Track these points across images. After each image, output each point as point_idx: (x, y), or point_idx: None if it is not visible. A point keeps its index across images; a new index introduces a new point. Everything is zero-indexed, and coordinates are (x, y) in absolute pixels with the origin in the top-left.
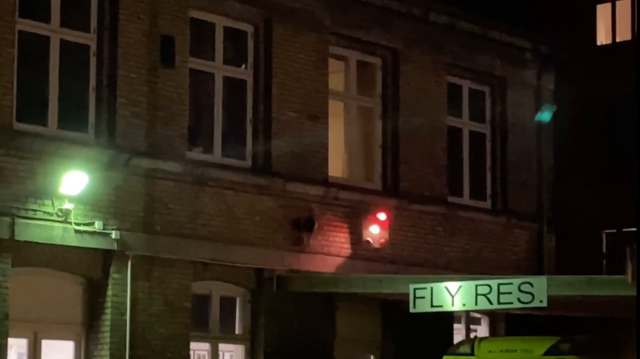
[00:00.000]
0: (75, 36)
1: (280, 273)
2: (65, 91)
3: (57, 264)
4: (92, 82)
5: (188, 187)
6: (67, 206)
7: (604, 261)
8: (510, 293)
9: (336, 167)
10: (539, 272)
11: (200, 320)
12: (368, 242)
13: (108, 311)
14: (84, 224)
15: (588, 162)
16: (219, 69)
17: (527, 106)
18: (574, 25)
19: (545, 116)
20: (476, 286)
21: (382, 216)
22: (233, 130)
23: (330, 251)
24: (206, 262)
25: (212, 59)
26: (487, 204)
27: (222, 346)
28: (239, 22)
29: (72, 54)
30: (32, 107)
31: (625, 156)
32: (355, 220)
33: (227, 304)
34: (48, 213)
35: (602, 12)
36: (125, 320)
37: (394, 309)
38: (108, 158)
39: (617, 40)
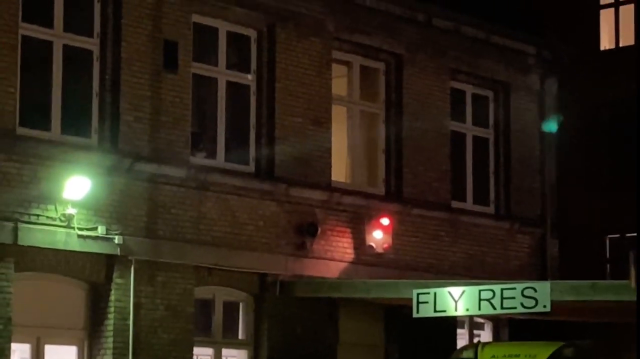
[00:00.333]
0: (78, 41)
1: (284, 278)
2: (68, 95)
3: (60, 269)
4: (95, 87)
5: (191, 192)
6: (70, 210)
7: (608, 266)
8: (513, 298)
9: (339, 172)
10: (542, 277)
11: (203, 325)
12: (371, 247)
13: (111, 316)
14: (87, 229)
15: (592, 167)
16: (222, 74)
17: (531, 111)
18: (578, 30)
19: (551, 126)
20: (479, 291)
21: (385, 221)
22: (236, 135)
23: (334, 256)
24: (209, 267)
25: (216, 64)
26: (491, 209)
27: (225, 351)
28: (243, 27)
29: (75, 59)
30: (35, 112)
31: (628, 161)
32: (358, 225)
33: (230, 309)
34: (51, 218)
35: (606, 17)
36: (128, 325)
37: (397, 314)
38: (111, 163)
39: (621, 45)
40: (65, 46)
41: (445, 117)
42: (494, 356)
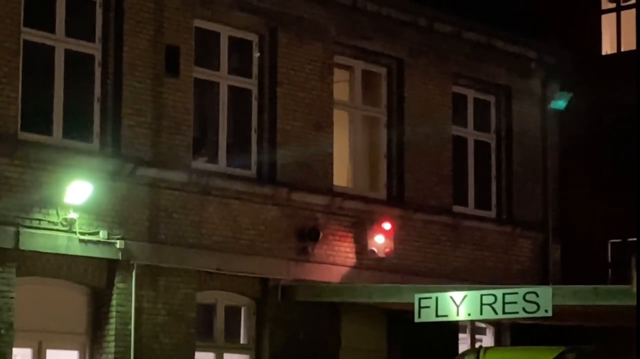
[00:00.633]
0: (80, 46)
1: (285, 283)
2: (70, 100)
3: (62, 273)
4: (97, 91)
5: (193, 196)
6: (72, 215)
7: (610, 271)
8: (515, 302)
9: (341, 176)
10: (544, 281)
11: (205, 330)
12: (373, 251)
13: (112, 320)
14: (89, 234)
15: (593, 171)
16: (224, 79)
17: (532, 115)
18: (579, 34)
19: (560, 103)
20: (481, 295)
21: (387, 225)
22: (238, 139)
23: (335, 260)
24: (211, 271)
25: (217, 68)
26: (492, 213)
27: (227, 356)
28: (244, 31)
29: (77, 63)
30: (37, 116)
31: (630, 165)
32: (360, 230)
33: (232, 314)
34: (53, 223)
35: (607, 21)
36: (130, 330)
37: (399, 318)
38: (113, 168)
39: (622, 49)
40: (67, 51)
41: (447, 122)
42: None
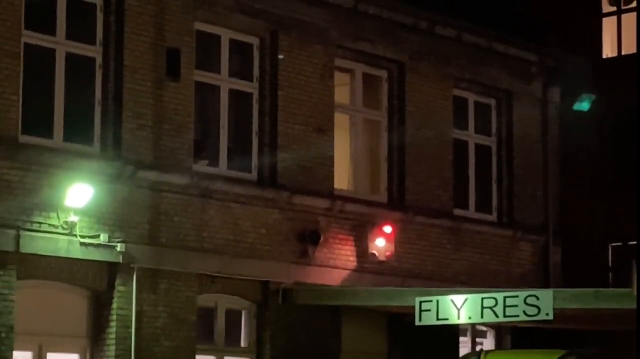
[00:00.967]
0: (81, 49)
1: (286, 286)
2: (70, 103)
3: (63, 276)
4: (98, 94)
5: (194, 199)
6: (73, 218)
7: (610, 274)
8: (516, 305)
9: (342, 179)
10: (545, 285)
11: (206, 333)
12: (374, 255)
13: (113, 323)
14: (89, 237)
15: (594, 174)
16: (224, 82)
17: (533, 118)
18: (580, 38)
19: (584, 105)
20: (482, 298)
21: (388, 228)
22: (239, 143)
23: (336, 263)
24: (212, 275)
25: (218, 71)
26: (493, 216)
27: None
28: (245, 34)
29: (78, 66)
30: (37, 119)
31: (631, 169)
32: (361, 233)
33: (233, 317)
34: (53, 226)
35: (608, 24)
36: (131, 333)
37: (400, 322)
38: (113, 170)
39: (623, 53)
40: (67, 54)
41: (448, 125)
42: None
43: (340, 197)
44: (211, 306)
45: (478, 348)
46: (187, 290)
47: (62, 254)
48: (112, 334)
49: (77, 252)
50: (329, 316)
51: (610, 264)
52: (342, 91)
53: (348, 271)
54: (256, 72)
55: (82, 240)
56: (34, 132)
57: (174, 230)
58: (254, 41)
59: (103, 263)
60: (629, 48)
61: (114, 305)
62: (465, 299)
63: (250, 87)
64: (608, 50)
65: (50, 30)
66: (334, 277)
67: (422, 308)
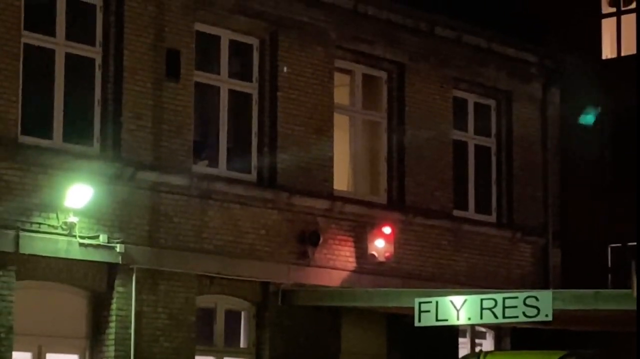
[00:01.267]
0: (80, 49)
1: (286, 287)
2: (70, 104)
3: (62, 277)
4: (98, 95)
5: (193, 200)
6: (72, 219)
7: (610, 275)
8: (515, 306)
9: (341, 180)
10: (544, 286)
11: (205, 334)
12: (373, 256)
13: (113, 324)
14: (89, 238)
15: (594, 175)
16: (224, 83)
17: (533, 119)
18: (580, 39)
19: (588, 118)
20: (481, 299)
21: (387, 229)
22: (238, 143)
23: (336, 264)
24: (211, 276)
25: (218, 72)
26: (493, 218)
27: None
28: (245, 35)
29: (78, 67)
30: (37, 120)
31: (631, 170)
32: (360, 234)
33: (232, 318)
34: (53, 226)
35: (608, 25)
36: (130, 334)
37: (399, 323)
38: (113, 171)
39: (623, 54)
40: (67, 54)
41: (448, 126)
42: None
43: (340, 198)
44: (211, 307)
45: (477, 349)
46: (187, 291)
47: (62, 254)
48: (111, 335)
49: (77, 253)
50: (328, 317)
51: (609, 265)
52: (342, 91)
53: (347, 272)
54: (256, 73)
55: (82, 241)
56: (33, 132)
57: (174, 231)
58: (254, 42)
59: (102, 264)
60: (628, 49)
61: (114, 306)
62: (465, 300)
63: (250, 88)
64: (608, 51)
65: (50, 31)
66: (334, 278)
67: (422, 309)
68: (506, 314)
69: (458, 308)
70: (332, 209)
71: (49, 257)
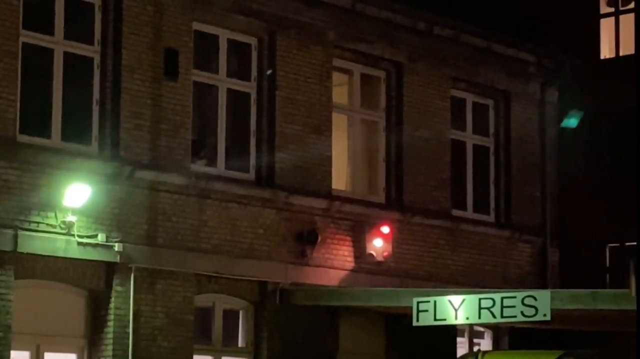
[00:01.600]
0: (79, 48)
1: (284, 286)
2: (68, 103)
3: (60, 276)
4: (96, 94)
5: (191, 199)
6: (70, 218)
7: (608, 275)
8: (513, 306)
9: (340, 180)
10: (542, 286)
11: (203, 333)
12: (371, 255)
13: (111, 323)
14: (87, 237)
15: (592, 175)
16: (222, 82)
17: (531, 119)
18: (578, 39)
19: (572, 122)
20: (480, 299)
21: (385, 229)
22: (237, 143)
23: (334, 264)
24: (209, 275)
25: (216, 71)
26: (491, 217)
27: None
28: (243, 35)
29: (76, 66)
30: (35, 119)
31: (629, 170)
32: (358, 233)
33: (231, 317)
34: (51, 225)
35: (606, 25)
36: (128, 333)
37: (397, 322)
38: (111, 170)
39: (621, 54)
40: (65, 53)
41: (446, 126)
42: None
43: (338, 197)
44: (209, 306)
45: (475, 349)
46: (185, 290)
47: (60, 254)
48: (109, 334)
49: (75, 252)
50: (326, 316)
51: (607, 265)
52: (340, 91)
53: (345, 272)
54: (254, 72)
55: (80, 240)
56: (32, 132)
57: (172, 230)
58: (252, 41)
59: (101, 263)
60: (627, 49)
61: (112, 305)
62: (463, 300)
63: (248, 88)
64: (606, 51)
65: (49, 30)
66: (332, 277)
67: (420, 309)
68: (504, 314)
69: (456, 308)
70: (330, 209)
71: (47, 256)
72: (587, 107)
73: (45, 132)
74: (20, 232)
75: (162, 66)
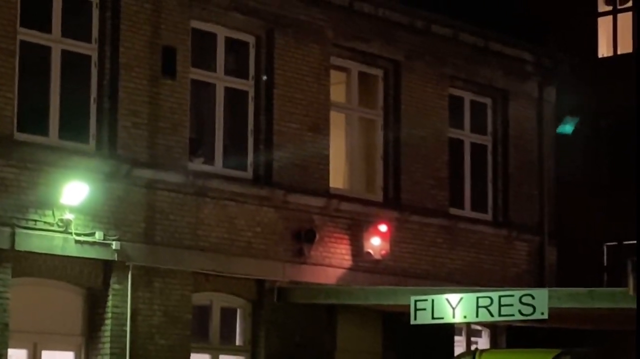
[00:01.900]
0: (76, 46)
1: (281, 284)
2: (66, 101)
3: (58, 274)
4: (93, 92)
5: (189, 198)
6: (68, 216)
7: (605, 274)
8: (511, 305)
9: (337, 178)
10: (540, 284)
11: (201, 331)
12: (369, 253)
13: (108, 321)
14: (85, 235)
15: (590, 174)
16: (220, 80)
17: (529, 118)
18: (576, 37)
19: (567, 128)
20: (477, 298)
21: (383, 227)
22: (234, 141)
23: (332, 262)
24: (207, 273)
25: (214, 69)
26: (489, 216)
27: (222, 358)
28: (241, 33)
29: (74, 64)
30: (33, 117)
31: (627, 169)
32: (356, 232)
33: (228, 316)
34: (49, 223)
35: (604, 24)
36: (126, 331)
37: (395, 321)
38: (109, 169)
39: (619, 52)
40: (63, 51)
41: (444, 124)
42: None
43: (336, 196)
44: (206, 305)
45: (473, 347)
46: (182, 288)
47: (58, 252)
48: (107, 332)
49: (73, 250)
50: (324, 314)
51: (605, 263)
52: (338, 89)
53: (343, 270)
54: (252, 70)
55: (78, 238)
56: (29, 129)
57: (169, 228)
58: (250, 39)
59: (98, 261)
60: (624, 47)
61: (109, 303)
62: (461, 298)
63: (246, 86)
64: (604, 50)
65: (46, 28)
66: (329, 276)
67: (418, 307)
68: (502, 313)
69: (454, 306)
70: (328, 207)
71: (45, 254)
72: (584, 106)
73: (43, 130)
74: (18, 230)
75: (159, 64)
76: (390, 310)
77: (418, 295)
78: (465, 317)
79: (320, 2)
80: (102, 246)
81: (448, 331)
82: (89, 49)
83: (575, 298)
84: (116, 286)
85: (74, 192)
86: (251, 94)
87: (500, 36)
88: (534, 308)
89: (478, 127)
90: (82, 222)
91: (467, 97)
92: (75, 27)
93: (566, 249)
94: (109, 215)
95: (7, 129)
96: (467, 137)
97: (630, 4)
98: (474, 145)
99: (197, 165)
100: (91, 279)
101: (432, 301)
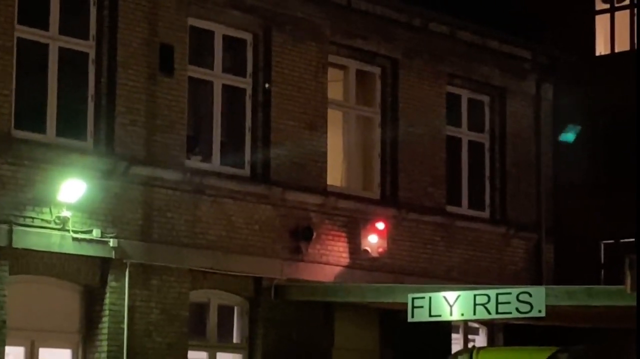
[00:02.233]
0: (74, 44)
1: (279, 282)
2: (63, 98)
3: (55, 272)
4: (91, 90)
5: (186, 195)
6: (65, 213)
7: (603, 272)
8: (508, 302)
9: (335, 176)
10: (537, 282)
11: (198, 329)
12: (366, 251)
13: (105, 319)
14: (82, 232)
15: (587, 172)
16: (218, 78)
17: (526, 116)
18: (573, 35)
19: (569, 136)
20: (475, 295)
21: (380, 225)
22: (232, 138)
23: (329, 260)
24: (204, 271)
25: (211, 67)
26: (486, 214)
27: (220, 355)
28: (239, 30)
29: (71, 61)
30: (30, 114)
31: (624, 166)
32: (353, 229)
33: (225, 313)
34: (46, 221)
35: (601, 22)
36: (123, 328)
37: (392, 318)
38: (106, 166)
39: (616, 50)
40: (60, 49)
41: (441, 122)
42: None
43: (333, 193)
44: (204, 302)
45: (470, 345)
46: (180, 286)
47: (55, 249)
48: (104, 330)
49: (70, 248)
50: (321, 312)
51: (602, 261)
52: (336, 87)
53: (341, 268)
54: (249, 68)
55: (75, 235)
56: (26, 127)
57: (167, 226)
58: (248, 37)
59: (95, 259)
60: (622, 45)
61: (107, 301)
62: (458, 296)
63: (244, 83)
64: (601, 48)
65: (44, 25)
66: (327, 273)
67: (415, 305)
68: (499, 310)
69: (451, 304)
70: (325, 205)
71: (42, 251)
72: (582, 104)
73: (40, 128)
74: (15, 228)
75: (157, 62)
76: (387, 308)
77: (415, 293)
78: (462, 315)
79: None
80: (99, 243)
81: (445, 328)
82: (87, 47)
83: (572, 295)
84: (113, 284)
85: (72, 189)
86: (249, 91)
87: (498, 34)
88: (532, 305)
89: (475, 125)
90: (79, 219)
91: (465, 94)
92: (73, 25)
93: (563, 246)
94: (107, 213)
95: (5, 126)
96: (465, 135)
97: (627, 1)
98: (471, 143)
99: (195, 162)
100: (89, 276)
101: (430, 298)
